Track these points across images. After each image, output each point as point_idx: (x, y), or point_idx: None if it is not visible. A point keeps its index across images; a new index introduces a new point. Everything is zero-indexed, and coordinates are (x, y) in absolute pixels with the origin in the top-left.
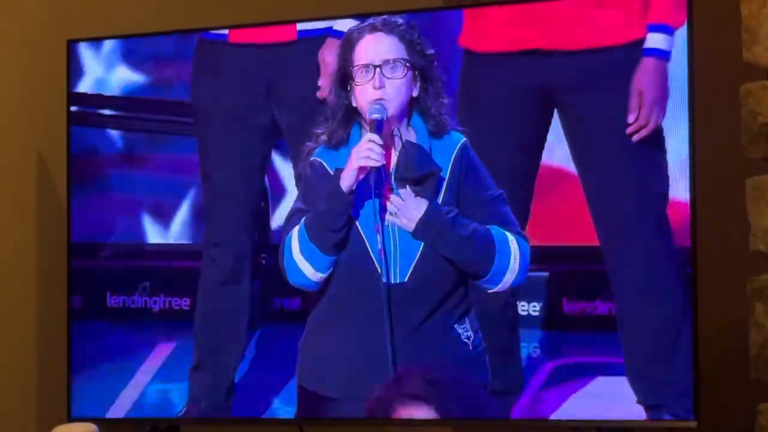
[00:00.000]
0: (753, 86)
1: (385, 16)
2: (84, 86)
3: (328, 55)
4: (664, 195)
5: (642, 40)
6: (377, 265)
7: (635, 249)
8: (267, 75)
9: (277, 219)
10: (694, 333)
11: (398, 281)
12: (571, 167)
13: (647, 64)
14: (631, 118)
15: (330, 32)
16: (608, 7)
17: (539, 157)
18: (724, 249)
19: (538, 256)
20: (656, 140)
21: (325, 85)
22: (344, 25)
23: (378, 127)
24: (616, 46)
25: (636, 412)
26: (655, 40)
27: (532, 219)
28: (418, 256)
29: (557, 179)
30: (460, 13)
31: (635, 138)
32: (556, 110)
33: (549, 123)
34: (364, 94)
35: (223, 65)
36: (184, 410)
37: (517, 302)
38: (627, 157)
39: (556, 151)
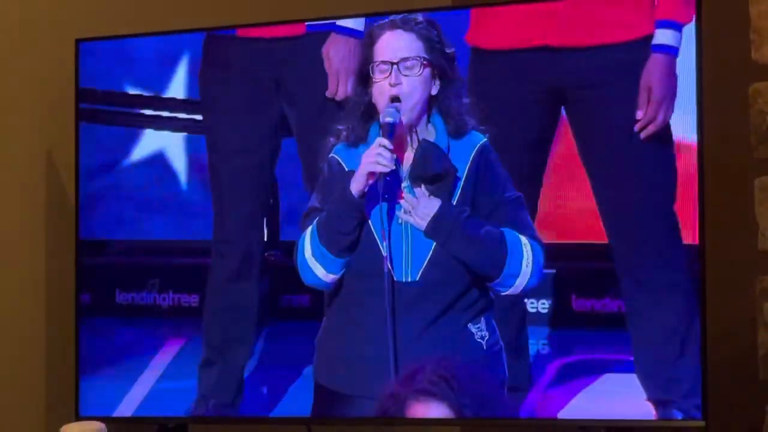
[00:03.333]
0: (762, 86)
1: (405, 14)
2: (92, 84)
3: (332, 51)
4: (672, 192)
5: (650, 36)
6: (387, 266)
7: (644, 246)
8: (275, 69)
9: (286, 215)
10: (703, 332)
11: (409, 280)
12: (579, 164)
13: (656, 60)
14: (639, 114)
15: (333, 28)
16: (616, 4)
17: (547, 155)
18: (732, 249)
19: (546, 254)
20: (665, 136)
21: (332, 82)
22: (349, 21)
23: (390, 131)
24: (624, 42)
25: (645, 409)
26: (663, 36)
27: (540, 216)
28: (429, 255)
29: (565, 176)
30: (467, 12)
31: (643, 134)
32: (563, 107)
33: (557, 120)
34: (381, 91)
35: (232, 60)
36: (192, 408)
37: (526, 300)
38: (635, 153)
39: (564, 149)
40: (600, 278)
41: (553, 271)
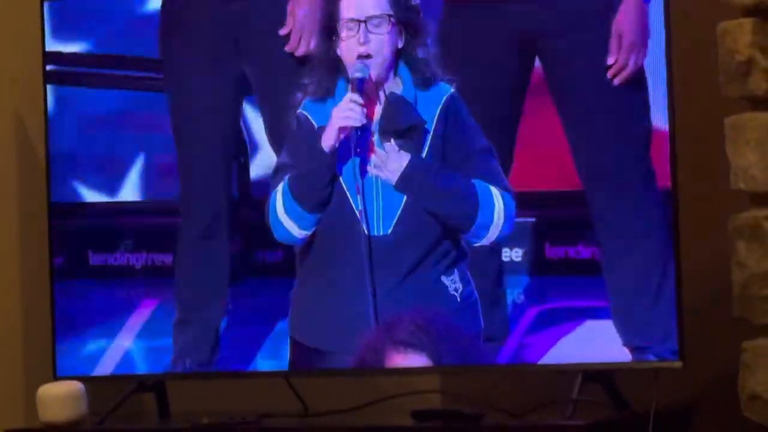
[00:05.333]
0: (730, 25)
1: None
2: (59, 45)
3: (297, 7)
4: (647, 137)
5: None
6: (360, 221)
7: (619, 192)
8: (234, 28)
9: (254, 172)
10: (678, 274)
11: (381, 233)
12: (553, 112)
13: (627, 5)
14: (610, 61)
15: None
16: None
17: (522, 103)
18: (704, 189)
19: (522, 202)
20: (638, 82)
21: (294, 38)
22: None
23: (359, 86)
24: None
25: (622, 354)
26: None
27: (516, 165)
28: (401, 209)
29: (540, 125)
30: None
31: (616, 81)
32: (537, 55)
33: (531, 68)
34: (350, 50)
35: (191, 18)
36: (170, 366)
37: (501, 249)
38: (609, 99)
39: (540, 97)
40: (575, 225)
41: (530, 219)
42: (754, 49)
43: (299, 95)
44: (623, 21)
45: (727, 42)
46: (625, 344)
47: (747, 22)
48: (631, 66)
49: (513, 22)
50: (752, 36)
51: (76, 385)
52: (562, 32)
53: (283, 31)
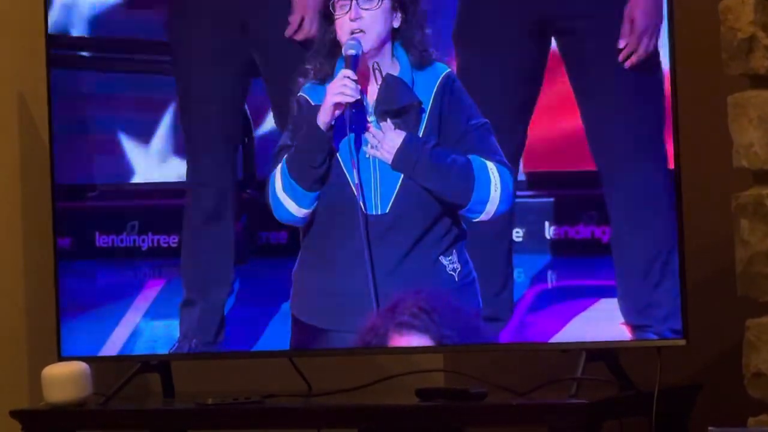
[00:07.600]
0: (731, 2)
1: None
2: (63, 28)
3: None
4: (660, 119)
5: None
6: (358, 199)
7: (632, 174)
8: (242, 13)
9: (260, 153)
10: (681, 252)
11: (379, 212)
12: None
13: None
14: (621, 44)
15: None
16: None
17: (539, 84)
18: (708, 167)
19: (536, 182)
20: (652, 64)
21: (294, 22)
22: None
23: (353, 63)
24: None
25: (625, 333)
26: None
27: (530, 145)
28: (398, 188)
29: (556, 106)
30: None
31: (627, 64)
32: (553, 37)
33: (548, 50)
34: (343, 27)
35: (199, 2)
36: (175, 347)
37: (513, 229)
38: (623, 83)
39: (555, 78)
40: (578, 205)
41: (543, 199)
42: (756, 27)
43: (301, 80)
44: (636, 5)
45: (729, 20)
46: (626, 323)
47: (749, 0)
48: (642, 50)
49: (532, 3)
50: (754, 13)
51: (80, 366)
52: (579, 14)
53: (292, 18)
